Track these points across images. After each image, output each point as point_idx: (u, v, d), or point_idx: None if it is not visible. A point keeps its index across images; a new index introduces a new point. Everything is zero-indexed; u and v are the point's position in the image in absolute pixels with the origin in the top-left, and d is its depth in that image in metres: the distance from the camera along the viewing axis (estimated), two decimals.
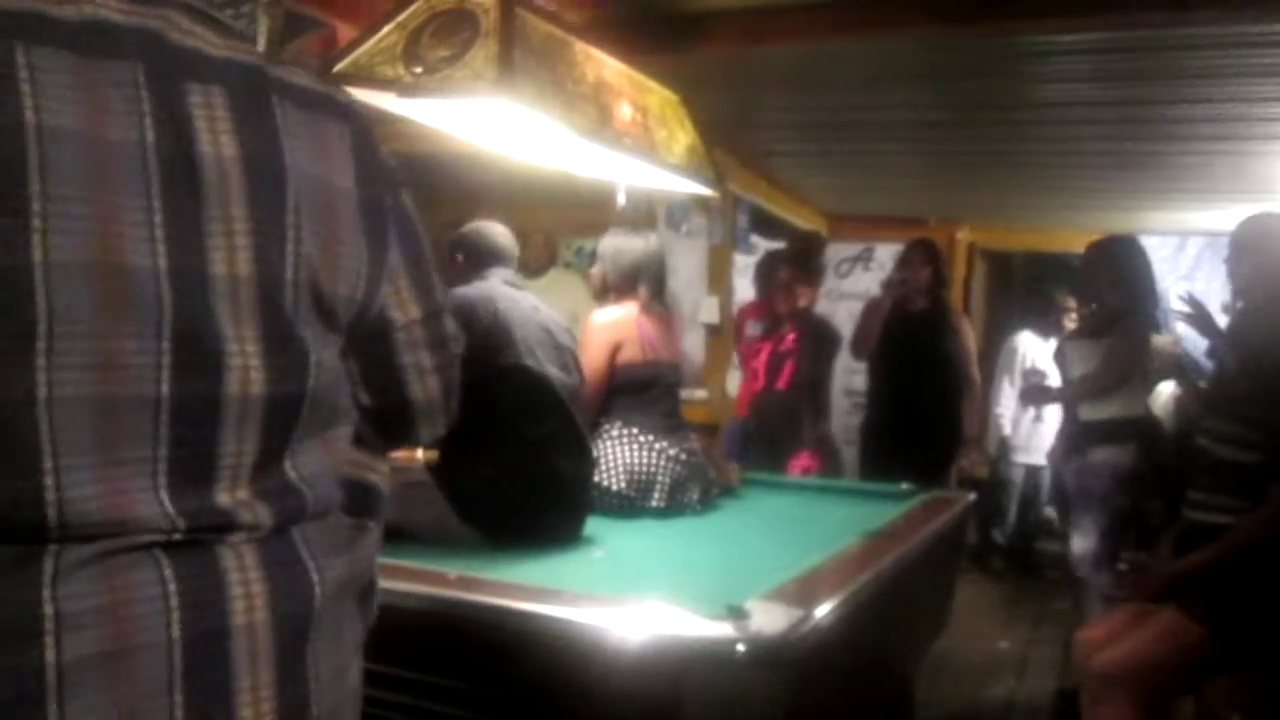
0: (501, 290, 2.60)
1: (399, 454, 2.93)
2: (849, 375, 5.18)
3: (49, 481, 0.70)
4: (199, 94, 0.76)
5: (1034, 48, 3.22)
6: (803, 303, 4.68)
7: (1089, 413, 3.67)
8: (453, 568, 1.98)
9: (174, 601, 0.73)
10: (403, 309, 0.95)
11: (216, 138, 0.76)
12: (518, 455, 2.46)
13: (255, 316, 0.77)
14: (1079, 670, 2.52)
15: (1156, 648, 2.32)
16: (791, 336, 4.65)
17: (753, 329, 5.04)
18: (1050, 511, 6.21)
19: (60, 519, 0.70)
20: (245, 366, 0.77)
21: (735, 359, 5.19)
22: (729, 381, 5.33)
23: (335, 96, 0.90)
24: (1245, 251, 3.08)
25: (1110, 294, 3.78)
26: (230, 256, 0.76)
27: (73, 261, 0.70)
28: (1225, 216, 5.46)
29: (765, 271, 5.06)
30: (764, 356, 4.77)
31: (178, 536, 0.74)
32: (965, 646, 4.00)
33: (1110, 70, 3.37)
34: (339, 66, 2.38)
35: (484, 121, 2.48)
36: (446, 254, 2.72)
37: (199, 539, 0.76)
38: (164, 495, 0.74)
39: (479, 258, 2.66)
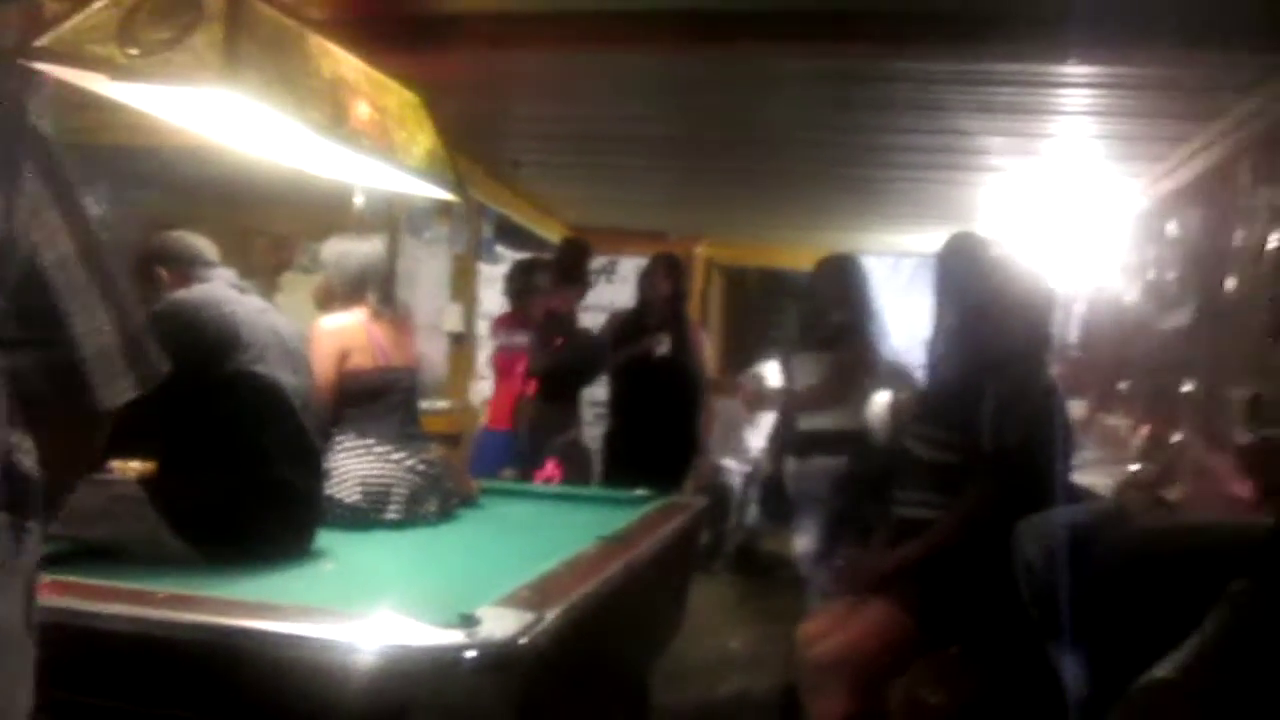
0: (227, 293, 2.46)
1: (110, 465, 2.73)
2: (592, 386, 5.25)
3: None
4: None
5: (762, 71, 3.39)
6: (561, 308, 4.65)
7: (808, 422, 3.91)
8: (164, 586, 1.84)
9: None
10: (53, 245, 0.85)
11: None
12: (243, 465, 2.34)
13: None
14: (798, 664, 2.66)
15: (867, 637, 2.50)
16: (560, 343, 4.65)
17: (506, 338, 5.01)
18: (755, 514, 6.50)
19: None
20: None
21: (484, 369, 5.14)
22: (473, 392, 5.28)
23: None
24: (943, 271, 3.37)
25: (836, 310, 4.04)
26: None
27: None
28: (935, 239, 5.96)
29: (520, 279, 5.05)
30: (524, 365, 4.73)
31: None
32: (699, 646, 4.14)
33: (829, 97, 3.61)
34: (42, 41, 2.17)
35: (208, 111, 2.34)
36: (140, 274, 2.52)
37: None
38: None
39: (188, 265, 2.49)
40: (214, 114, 2.33)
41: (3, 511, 0.79)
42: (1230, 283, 3.24)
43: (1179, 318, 3.69)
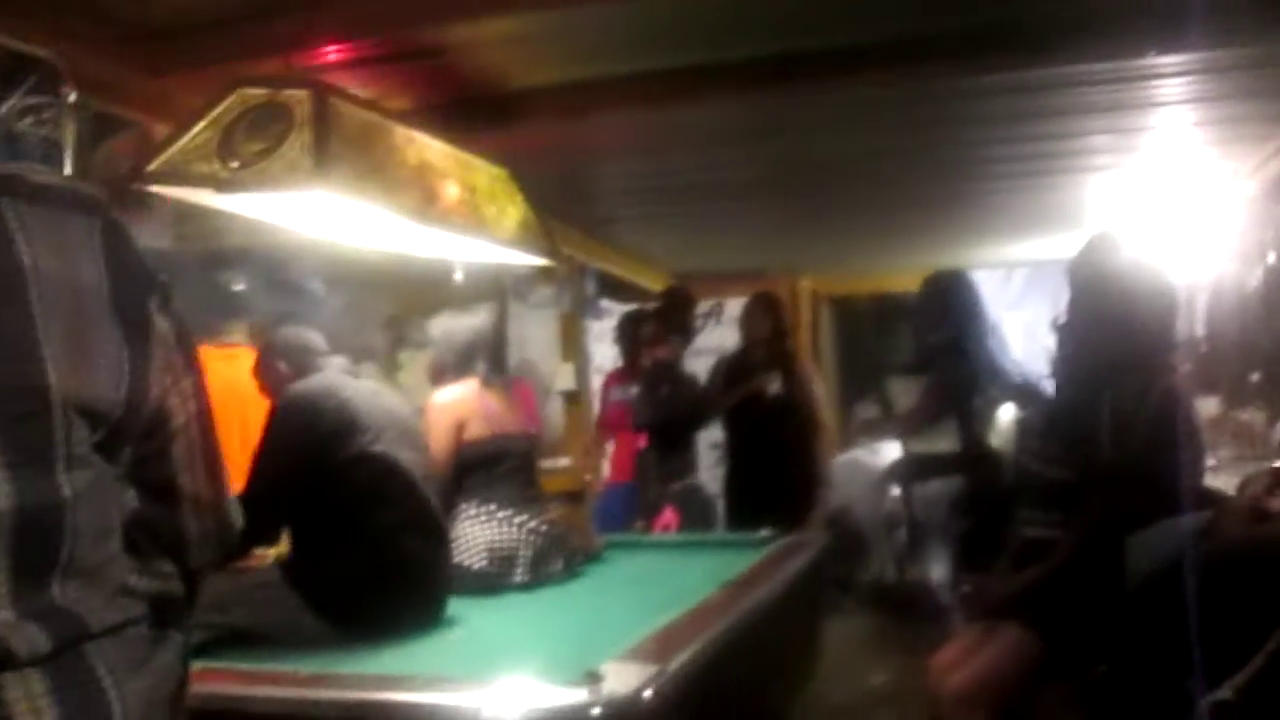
0: (342, 380, 2.58)
1: (253, 553, 2.87)
2: (706, 430, 5.26)
3: None
4: None
5: (842, 103, 3.39)
6: (666, 357, 4.68)
7: (915, 446, 3.83)
8: (306, 666, 1.93)
9: None
10: (183, 405, 0.93)
11: None
12: (371, 545, 2.43)
13: (6, 431, 0.75)
14: (934, 696, 2.60)
15: (1001, 664, 2.41)
16: (665, 394, 4.68)
17: (618, 393, 5.07)
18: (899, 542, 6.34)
19: None
20: None
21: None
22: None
23: (80, 191, 0.87)
24: (1070, 278, 3.25)
25: (941, 328, 3.96)
26: None
27: None
28: (1043, 246, 5.83)
29: (628, 330, 5.11)
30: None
31: None
32: (840, 685, 4.05)
33: (913, 119, 3.57)
34: (152, 165, 2.34)
35: (308, 210, 2.48)
36: (264, 368, 2.69)
37: None
38: None
39: (304, 357, 2.63)
40: (314, 211, 2.47)
41: (148, 628, 0.88)
42: None
43: None
